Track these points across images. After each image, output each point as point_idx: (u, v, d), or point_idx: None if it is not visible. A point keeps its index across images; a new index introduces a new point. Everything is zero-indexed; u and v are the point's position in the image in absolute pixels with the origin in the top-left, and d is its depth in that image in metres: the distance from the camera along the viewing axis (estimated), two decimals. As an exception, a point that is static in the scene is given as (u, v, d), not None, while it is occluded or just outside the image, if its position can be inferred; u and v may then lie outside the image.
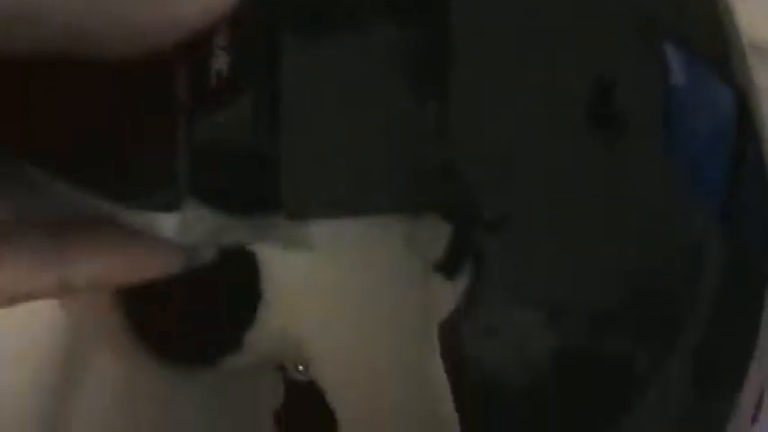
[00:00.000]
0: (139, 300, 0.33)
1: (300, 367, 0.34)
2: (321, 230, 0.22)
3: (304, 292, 0.32)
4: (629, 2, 0.23)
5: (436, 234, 0.22)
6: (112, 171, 0.19)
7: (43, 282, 0.21)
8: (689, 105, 0.23)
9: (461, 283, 0.22)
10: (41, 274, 0.21)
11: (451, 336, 0.21)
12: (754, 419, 0.26)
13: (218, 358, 0.32)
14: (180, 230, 0.20)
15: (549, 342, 0.21)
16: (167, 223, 0.20)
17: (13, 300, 0.21)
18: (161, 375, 0.34)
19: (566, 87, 0.22)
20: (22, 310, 0.22)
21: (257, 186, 0.21)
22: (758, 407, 0.26)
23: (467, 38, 0.21)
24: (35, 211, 0.22)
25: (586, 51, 0.22)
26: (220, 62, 0.19)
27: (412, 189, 0.21)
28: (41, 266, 0.21)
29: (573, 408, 0.22)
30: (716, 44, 0.25)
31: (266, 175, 0.20)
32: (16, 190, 0.22)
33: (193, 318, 0.33)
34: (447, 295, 0.22)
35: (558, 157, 0.22)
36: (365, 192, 0.21)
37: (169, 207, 0.20)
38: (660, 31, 0.23)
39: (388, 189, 0.21)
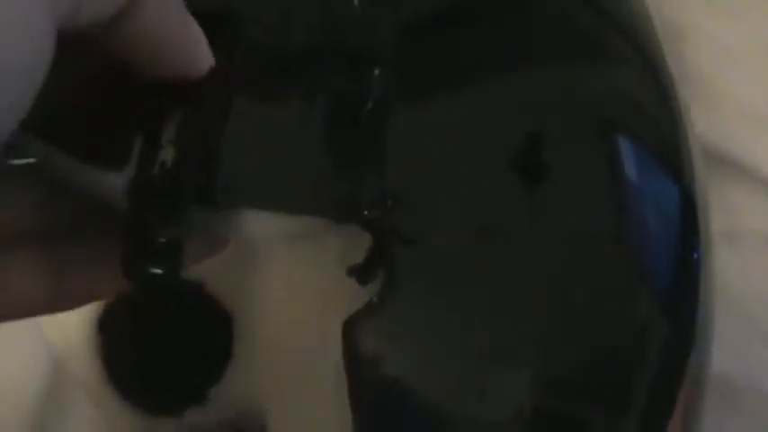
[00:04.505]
0: (115, 348, 0.35)
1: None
2: (254, 221, 0.23)
3: (274, 360, 0.34)
4: (587, 102, 0.25)
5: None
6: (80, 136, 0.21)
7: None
8: (637, 197, 0.25)
9: (372, 288, 0.23)
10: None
11: (353, 334, 0.22)
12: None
13: (181, 410, 0.34)
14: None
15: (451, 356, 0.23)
16: (118, 181, 0.22)
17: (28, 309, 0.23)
18: (135, 421, 0.36)
19: (494, 135, 0.24)
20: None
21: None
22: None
23: (407, 87, 0.24)
24: (51, 213, 0.23)
25: (519, 105, 0.24)
26: (166, 155, 0.21)
27: (336, 197, 0.23)
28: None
29: None
30: (669, 141, 0.26)
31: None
32: (35, 187, 0.23)
33: (163, 367, 0.35)
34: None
35: (478, 193, 0.23)
36: (291, 190, 0.23)
37: (118, 163, 0.21)
38: (616, 126, 0.25)
39: (313, 191, 0.23)
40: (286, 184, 0.23)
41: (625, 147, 0.25)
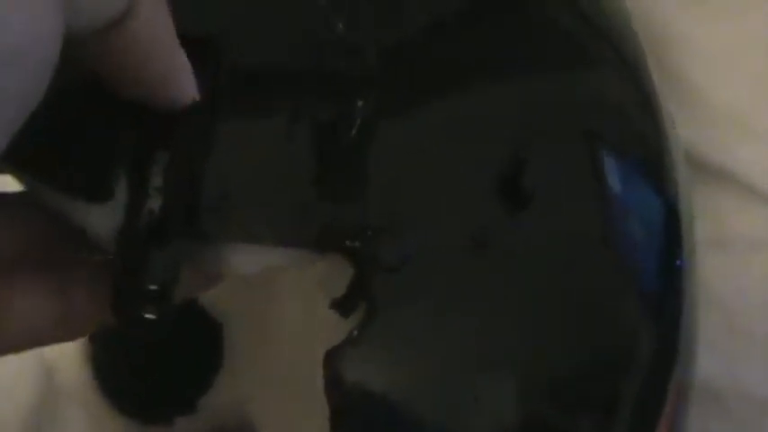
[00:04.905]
0: (106, 356, 0.35)
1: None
2: (240, 255, 0.23)
3: (263, 369, 0.34)
4: (573, 113, 0.25)
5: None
6: (60, 163, 0.22)
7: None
8: (622, 209, 0.25)
9: (354, 318, 0.23)
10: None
11: (336, 363, 0.22)
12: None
13: (172, 418, 0.35)
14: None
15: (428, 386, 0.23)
16: (99, 215, 0.22)
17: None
18: (127, 429, 0.36)
19: (479, 150, 0.24)
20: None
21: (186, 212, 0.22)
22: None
23: (391, 116, 0.24)
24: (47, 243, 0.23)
25: (502, 120, 0.24)
26: (154, 203, 0.22)
27: (318, 227, 0.23)
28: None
29: None
30: (653, 151, 0.27)
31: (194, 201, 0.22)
32: (34, 217, 0.23)
33: (152, 376, 0.35)
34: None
35: (464, 210, 0.23)
36: (274, 220, 0.23)
37: (102, 194, 0.21)
38: (600, 137, 0.25)
39: (295, 221, 0.23)
40: (270, 215, 0.23)
41: (609, 157, 0.25)
